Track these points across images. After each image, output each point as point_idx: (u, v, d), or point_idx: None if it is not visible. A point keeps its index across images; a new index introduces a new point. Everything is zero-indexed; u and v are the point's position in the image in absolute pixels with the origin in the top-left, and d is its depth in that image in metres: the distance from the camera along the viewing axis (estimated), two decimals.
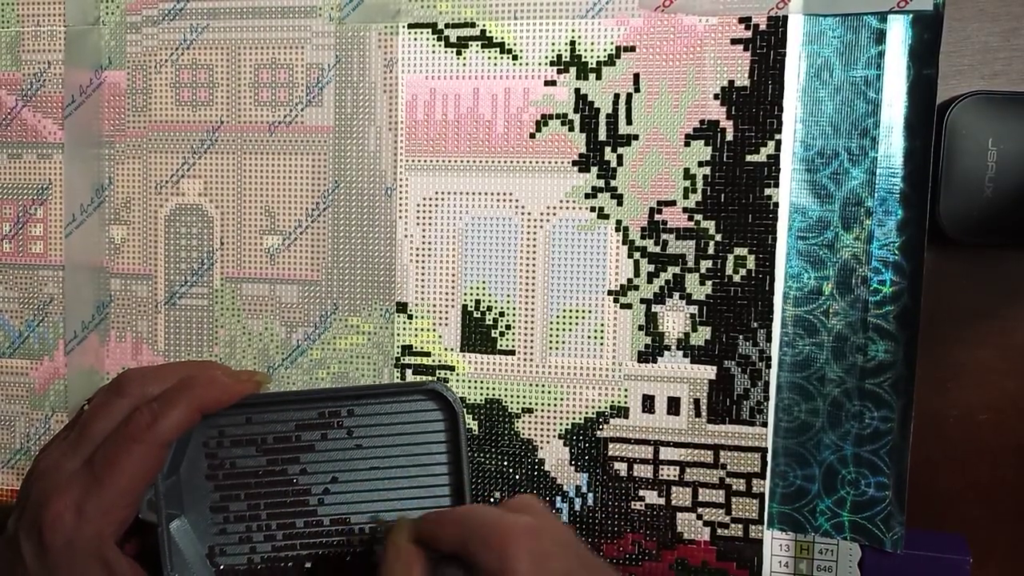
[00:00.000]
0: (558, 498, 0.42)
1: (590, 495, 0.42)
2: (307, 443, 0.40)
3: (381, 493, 0.40)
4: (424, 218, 0.43)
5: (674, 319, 0.41)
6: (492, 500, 0.43)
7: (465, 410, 0.43)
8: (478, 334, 0.43)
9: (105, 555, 0.36)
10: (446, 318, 0.43)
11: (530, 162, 0.42)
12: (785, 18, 0.39)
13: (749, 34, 0.40)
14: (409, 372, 0.43)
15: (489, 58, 0.42)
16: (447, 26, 0.42)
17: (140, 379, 0.39)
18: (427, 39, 0.42)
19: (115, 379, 0.39)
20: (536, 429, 0.42)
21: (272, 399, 0.41)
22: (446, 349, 0.43)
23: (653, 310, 0.41)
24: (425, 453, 0.40)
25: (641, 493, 0.42)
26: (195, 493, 0.40)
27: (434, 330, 0.43)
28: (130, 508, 0.37)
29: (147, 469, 0.37)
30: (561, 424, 0.42)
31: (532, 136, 0.42)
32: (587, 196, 0.42)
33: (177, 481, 0.40)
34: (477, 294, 0.43)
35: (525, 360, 0.42)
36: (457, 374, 0.43)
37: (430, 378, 0.43)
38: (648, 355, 0.41)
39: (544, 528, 0.33)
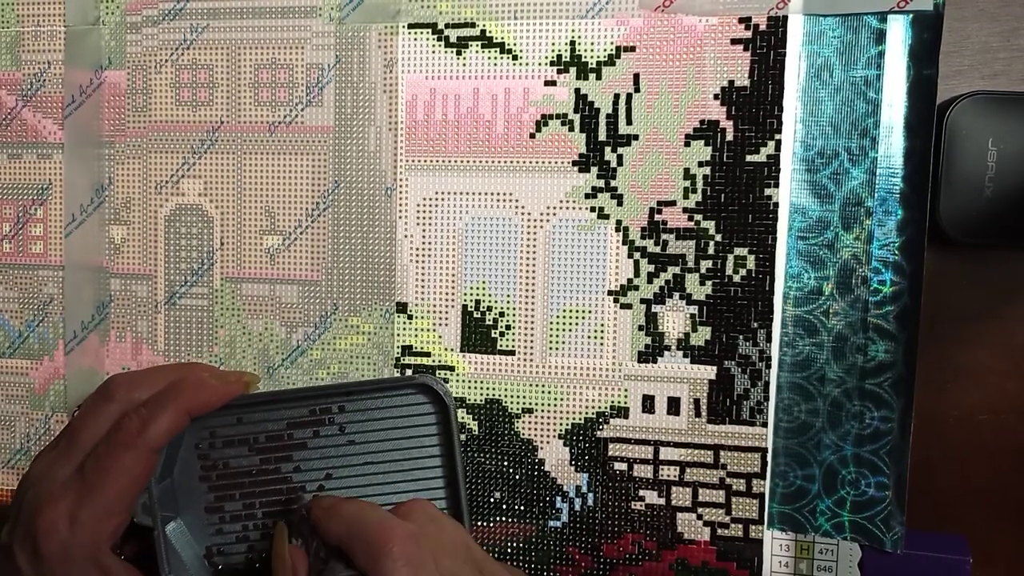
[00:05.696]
0: (558, 498, 0.42)
1: (590, 495, 0.42)
2: (299, 441, 0.40)
3: (375, 488, 0.40)
4: (424, 218, 0.43)
5: (674, 319, 0.41)
6: (492, 500, 0.43)
7: (464, 409, 0.43)
8: (478, 334, 0.43)
9: (101, 561, 0.36)
10: (446, 318, 0.43)
11: (530, 162, 0.42)
12: (785, 18, 0.39)
13: (749, 34, 0.40)
14: (409, 372, 0.43)
15: (489, 58, 0.42)
16: (447, 26, 0.42)
17: (127, 384, 0.38)
18: (427, 39, 0.42)
19: (102, 385, 0.39)
20: (536, 429, 0.42)
21: (262, 399, 0.40)
22: (446, 349, 0.43)
23: (653, 310, 0.41)
24: (418, 447, 0.40)
25: (641, 493, 0.42)
26: (190, 495, 0.40)
27: (434, 330, 0.43)
28: (123, 514, 0.37)
29: (139, 475, 0.37)
30: (561, 424, 0.42)
31: (532, 136, 0.42)
32: (587, 196, 0.42)
33: (171, 484, 0.40)
34: (477, 294, 0.43)
35: (525, 360, 0.42)
36: (457, 374, 0.43)
37: (420, 373, 0.43)
38: (648, 355, 0.41)
39: (426, 535, 0.34)
